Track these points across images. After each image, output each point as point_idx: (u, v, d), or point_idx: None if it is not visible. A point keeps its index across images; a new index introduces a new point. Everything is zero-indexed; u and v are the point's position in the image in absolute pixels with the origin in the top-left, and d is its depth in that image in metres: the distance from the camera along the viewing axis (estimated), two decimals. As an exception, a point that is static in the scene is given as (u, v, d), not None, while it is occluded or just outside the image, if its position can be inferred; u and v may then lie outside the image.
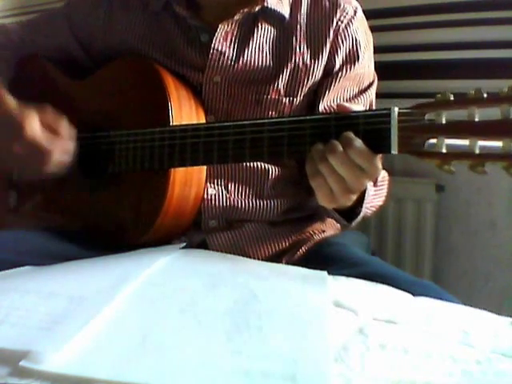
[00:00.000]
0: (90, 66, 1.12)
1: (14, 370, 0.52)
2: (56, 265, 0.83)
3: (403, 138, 0.76)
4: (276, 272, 0.86)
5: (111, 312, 0.63)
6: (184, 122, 0.95)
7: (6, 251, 0.88)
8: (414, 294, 0.79)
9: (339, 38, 1.00)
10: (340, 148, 0.77)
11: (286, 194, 1.03)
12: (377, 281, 0.83)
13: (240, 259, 0.93)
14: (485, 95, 0.72)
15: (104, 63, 1.07)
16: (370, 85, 1.05)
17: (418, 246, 1.58)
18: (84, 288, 0.70)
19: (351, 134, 0.78)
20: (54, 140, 0.92)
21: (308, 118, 0.84)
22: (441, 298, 0.80)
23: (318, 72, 1.00)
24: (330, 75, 1.01)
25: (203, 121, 0.99)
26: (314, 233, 1.05)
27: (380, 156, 0.81)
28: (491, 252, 1.52)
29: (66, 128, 0.94)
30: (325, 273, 0.83)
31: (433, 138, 0.75)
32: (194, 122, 0.97)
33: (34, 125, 0.91)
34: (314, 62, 1.00)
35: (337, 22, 1.00)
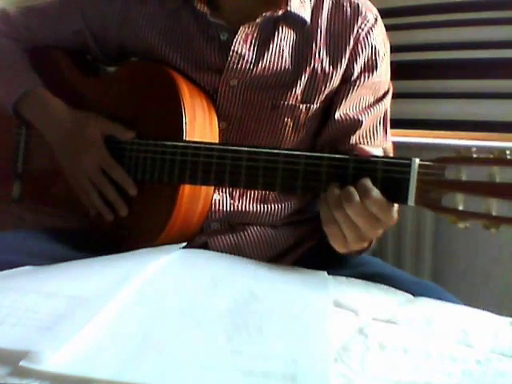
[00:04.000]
0: (102, 59, 1.10)
1: (14, 370, 0.52)
2: (56, 265, 0.83)
3: (421, 190, 0.76)
4: (276, 272, 0.86)
5: (111, 312, 0.63)
6: (197, 133, 0.93)
7: (6, 251, 0.88)
8: (414, 295, 0.80)
9: (359, 46, 0.98)
10: (357, 197, 0.76)
11: (290, 198, 1.02)
12: (377, 281, 0.83)
13: (240, 259, 0.93)
14: (508, 157, 0.72)
15: (117, 59, 1.05)
16: (386, 94, 1.03)
17: (418, 246, 1.58)
18: (84, 288, 0.70)
19: (369, 183, 0.77)
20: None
21: (326, 155, 0.82)
22: (441, 299, 0.80)
23: (336, 79, 0.98)
24: (347, 83, 0.99)
25: (216, 129, 0.97)
26: (315, 233, 1.05)
27: (396, 206, 0.79)
28: (491, 252, 1.52)
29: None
30: (325, 273, 0.83)
31: (451, 193, 0.74)
32: (207, 131, 0.96)
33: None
34: (333, 69, 0.97)
35: (357, 30, 0.98)
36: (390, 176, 0.77)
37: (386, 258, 1.52)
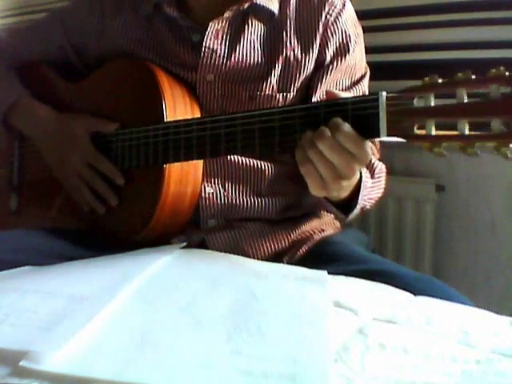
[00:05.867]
0: (83, 69, 1.13)
1: (14, 370, 0.52)
2: (56, 265, 0.84)
3: (392, 122, 0.76)
4: (276, 271, 0.86)
5: (111, 312, 0.63)
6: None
7: (6, 251, 0.88)
8: (415, 290, 0.79)
9: (329, 31, 1.02)
10: (328, 133, 0.77)
11: (283, 192, 1.03)
12: (378, 277, 0.83)
13: (240, 259, 0.93)
14: (473, 76, 0.72)
15: (97, 68, 1.08)
16: (363, 77, 1.06)
17: (418, 246, 1.58)
18: (84, 288, 0.70)
19: (339, 119, 0.79)
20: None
21: (298, 107, 0.84)
22: (444, 294, 0.80)
23: (309, 66, 1.01)
24: (321, 68, 1.02)
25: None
26: (314, 232, 1.05)
27: (369, 142, 0.81)
28: (491, 251, 1.52)
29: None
30: (325, 272, 0.83)
31: (422, 120, 0.75)
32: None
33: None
34: (305, 56, 1.01)
35: (325, 16, 1.01)
36: (359, 113, 0.79)
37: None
